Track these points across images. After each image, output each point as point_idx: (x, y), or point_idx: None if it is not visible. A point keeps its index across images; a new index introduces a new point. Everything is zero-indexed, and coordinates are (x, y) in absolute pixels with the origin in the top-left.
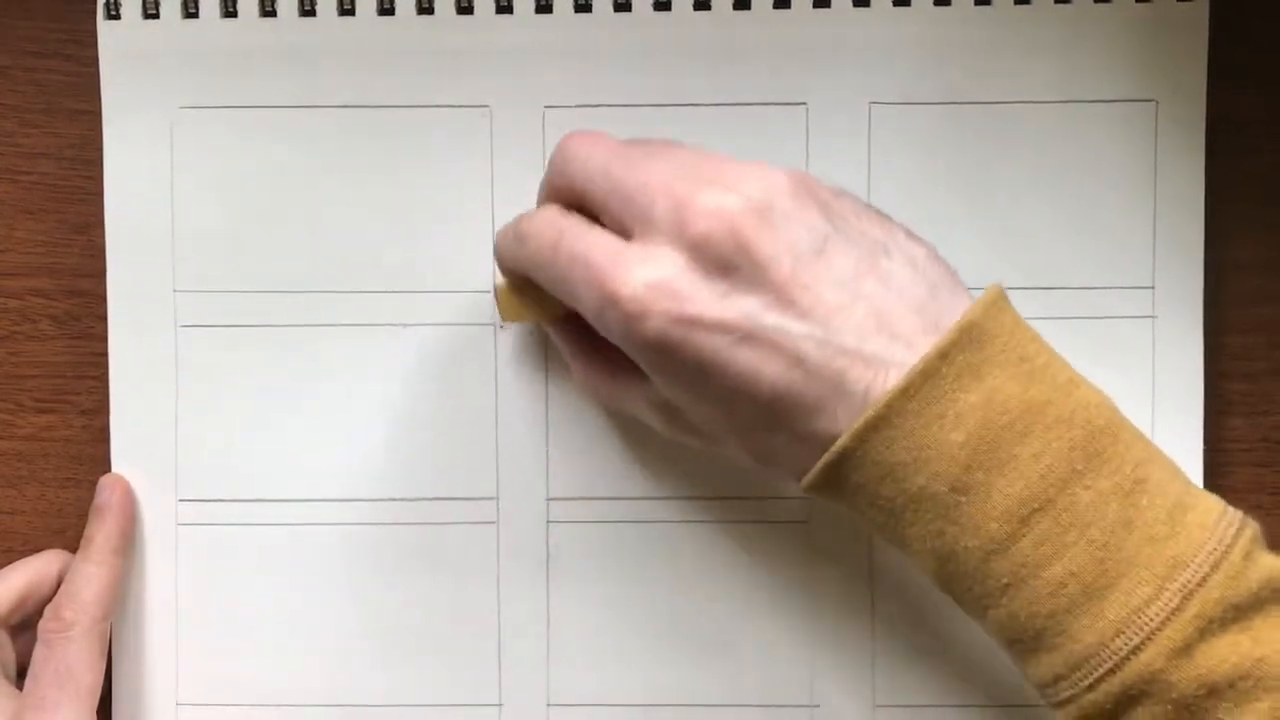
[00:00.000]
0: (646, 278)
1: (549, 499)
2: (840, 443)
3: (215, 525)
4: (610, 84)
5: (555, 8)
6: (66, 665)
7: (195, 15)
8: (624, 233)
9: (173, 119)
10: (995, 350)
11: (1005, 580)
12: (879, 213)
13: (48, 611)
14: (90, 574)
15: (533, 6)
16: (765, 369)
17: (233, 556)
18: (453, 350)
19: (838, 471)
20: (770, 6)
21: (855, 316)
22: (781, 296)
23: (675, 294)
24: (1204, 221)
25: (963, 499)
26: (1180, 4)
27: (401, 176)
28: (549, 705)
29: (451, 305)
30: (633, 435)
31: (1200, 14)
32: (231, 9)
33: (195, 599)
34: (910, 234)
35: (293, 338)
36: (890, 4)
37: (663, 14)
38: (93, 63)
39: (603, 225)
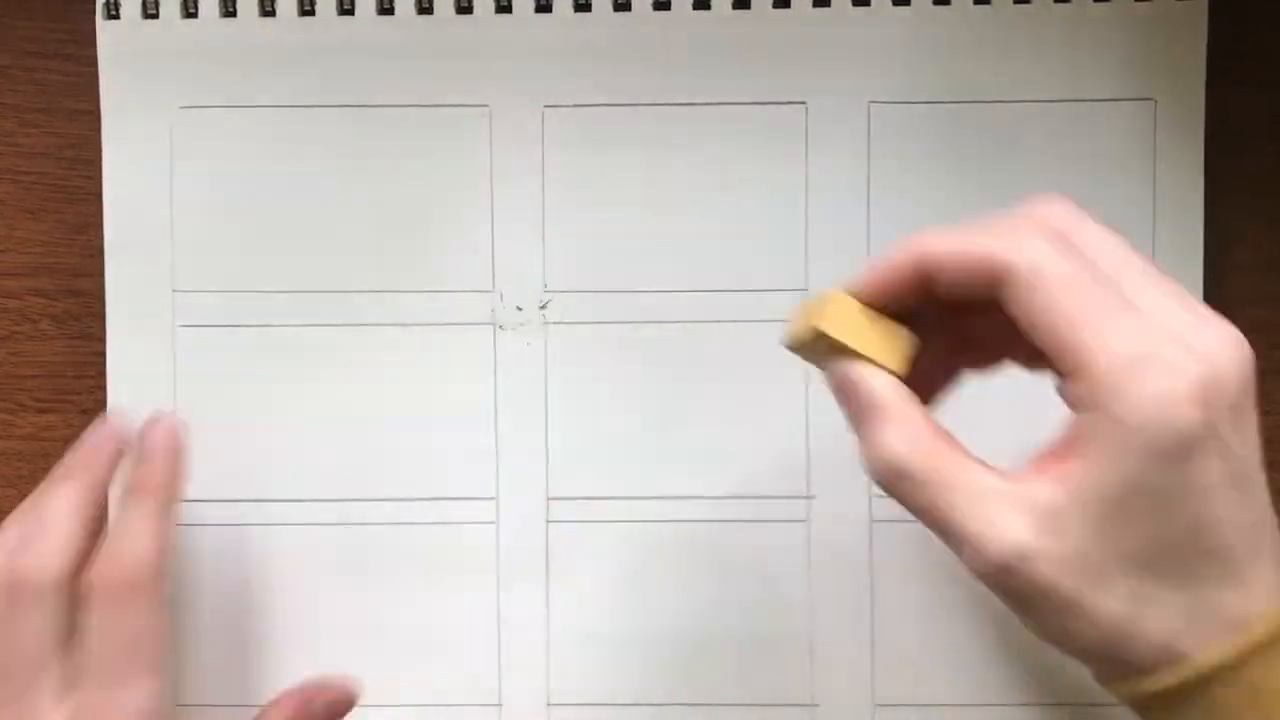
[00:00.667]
0: (1198, 370)
1: (549, 499)
2: (1264, 628)
3: (215, 525)
4: (610, 83)
5: (555, 7)
6: (135, 632)
7: (194, 15)
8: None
9: (172, 119)
10: None
11: None
12: None
13: (104, 565)
14: (145, 528)
15: (532, 6)
16: (1235, 517)
17: (231, 556)
18: (452, 349)
19: (1199, 687)
20: (770, 6)
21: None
22: (1255, 464)
23: (1217, 401)
24: (1203, 221)
25: None
26: (1179, 3)
27: (401, 176)
28: (549, 705)
29: (451, 305)
30: (633, 435)
31: (1199, 13)
32: (231, 9)
33: (195, 599)
34: None
35: (292, 337)
36: (890, 4)
37: (662, 13)
38: (92, 62)
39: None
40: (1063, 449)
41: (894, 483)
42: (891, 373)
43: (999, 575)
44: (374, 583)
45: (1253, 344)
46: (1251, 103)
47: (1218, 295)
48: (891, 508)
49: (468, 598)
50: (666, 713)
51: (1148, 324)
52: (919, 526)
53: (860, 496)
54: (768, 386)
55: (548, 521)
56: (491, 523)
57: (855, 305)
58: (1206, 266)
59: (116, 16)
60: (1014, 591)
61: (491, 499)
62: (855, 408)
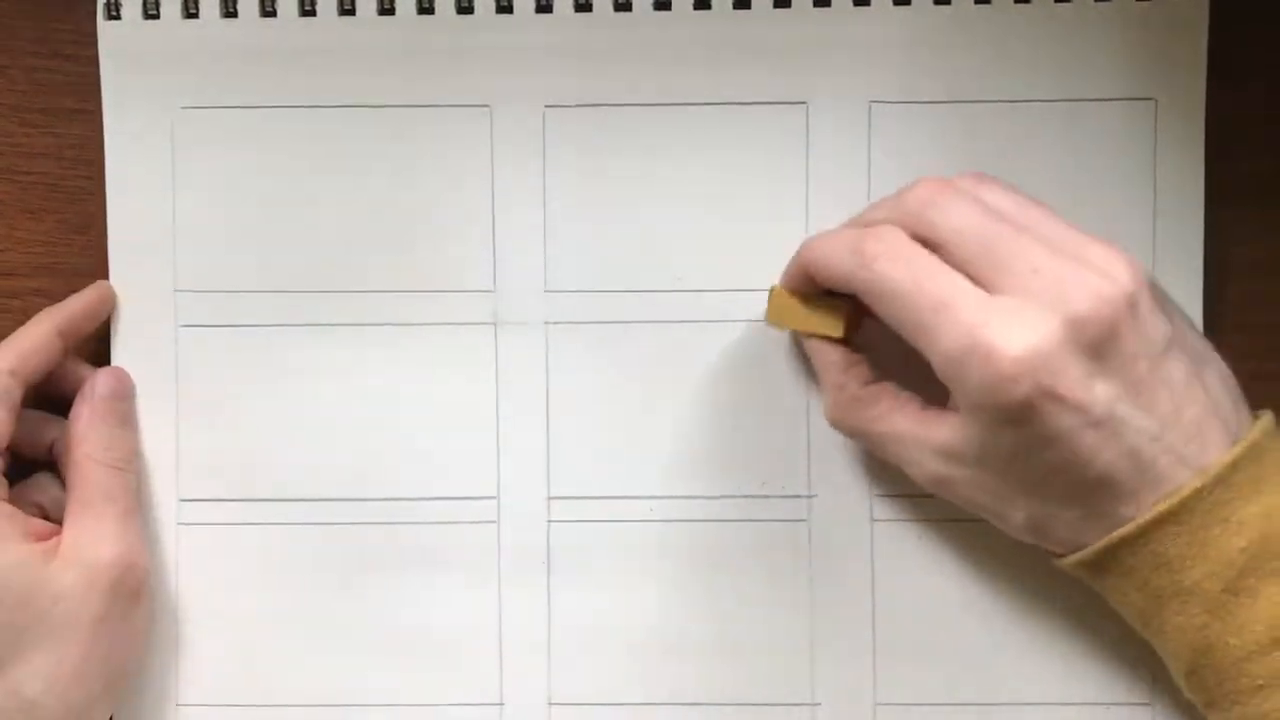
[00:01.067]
0: (1024, 342)
1: (549, 498)
2: (1131, 527)
3: (216, 525)
4: (611, 83)
5: (555, 7)
6: None
7: (195, 15)
8: (984, 288)
9: (173, 119)
10: (1271, 470)
11: (1260, 682)
12: (1193, 324)
13: None
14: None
15: (533, 6)
16: (1103, 454)
17: (233, 556)
18: (453, 350)
19: (1115, 553)
20: (770, 6)
21: (1183, 419)
22: (1134, 390)
23: (1048, 367)
24: (1203, 221)
25: (1232, 600)
26: (1180, 3)
27: (402, 176)
28: (550, 704)
29: (452, 305)
30: (633, 434)
31: (1200, 12)
32: (232, 9)
33: (195, 599)
34: (1212, 346)
35: (293, 337)
36: (890, 3)
37: (663, 13)
38: (93, 62)
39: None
40: (951, 401)
41: (844, 434)
42: (835, 339)
43: (934, 490)
44: (375, 582)
45: (1253, 346)
46: (1251, 102)
47: (1218, 296)
48: (892, 508)
49: (469, 597)
50: (668, 712)
51: (983, 307)
52: (919, 526)
53: (861, 496)
54: (768, 386)
55: (549, 521)
56: (493, 522)
57: (788, 294)
58: (1206, 267)
59: (118, 17)
60: (951, 500)
61: (493, 498)
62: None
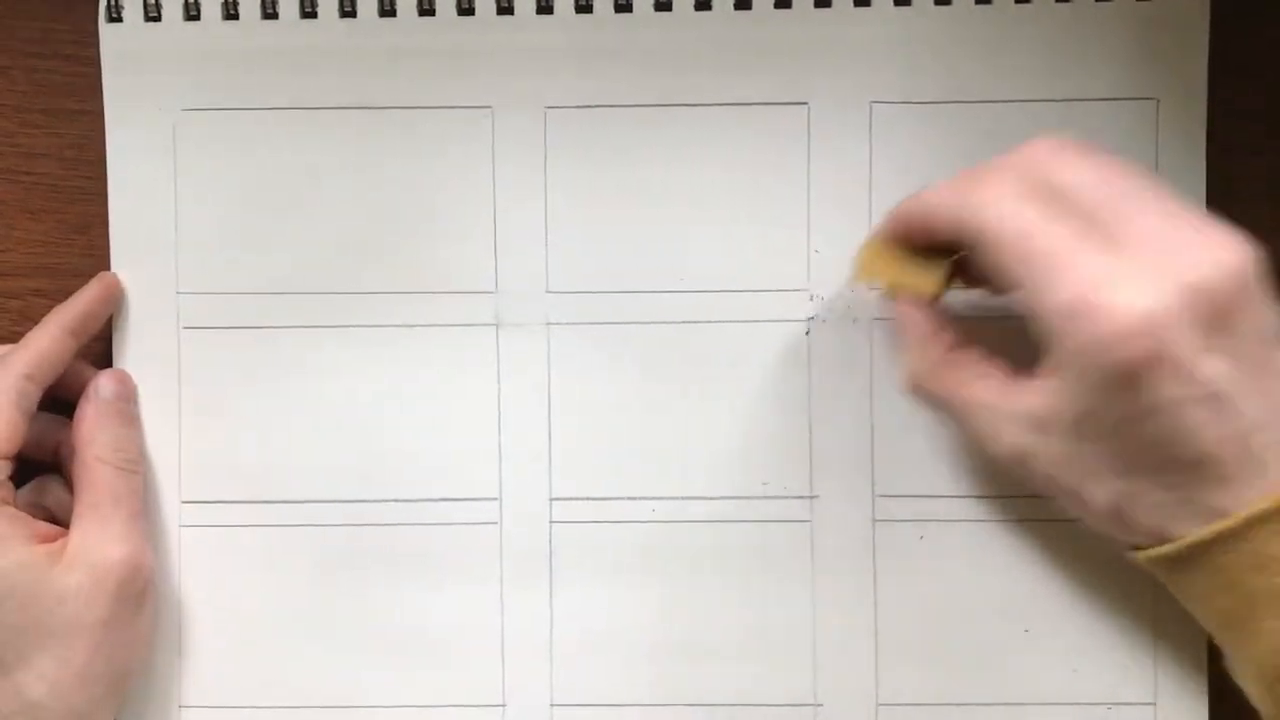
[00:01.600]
0: (1142, 304)
1: (551, 499)
2: (1232, 521)
3: (219, 527)
4: (612, 84)
5: (556, 9)
6: None
7: (197, 18)
8: (1100, 246)
9: (175, 121)
10: None
11: None
12: None
13: None
14: (34, 339)
15: (534, 7)
16: (1208, 432)
17: (236, 558)
18: (455, 350)
19: (1209, 549)
20: (771, 6)
21: (1276, 416)
22: (1250, 371)
23: (1164, 333)
24: None
25: None
26: (1181, 2)
27: (403, 177)
28: (552, 705)
29: (454, 306)
30: (636, 435)
31: (1201, 12)
32: (233, 11)
33: (198, 601)
34: None
35: (295, 339)
36: (891, 3)
37: (664, 14)
38: (93, 63)
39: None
40: (1047, 359)
41: (918, 400)
42: (926, 296)
43: (1011, 465)
44: (377, 583)
45: None
46: (1252, 101)
47: None
48: (894, 508)
49: (471, 598)
50: (670, 713)
51: (1100, 264)
52: (922, 526)
53: (863, 496)
54: (771, 386)
55: (551, 522)
56: (495, 523)
57: (883, 248)
58: None
59: (119, 19)
60: (1027, 479)
61: (494, 499)
62: (896, 339)
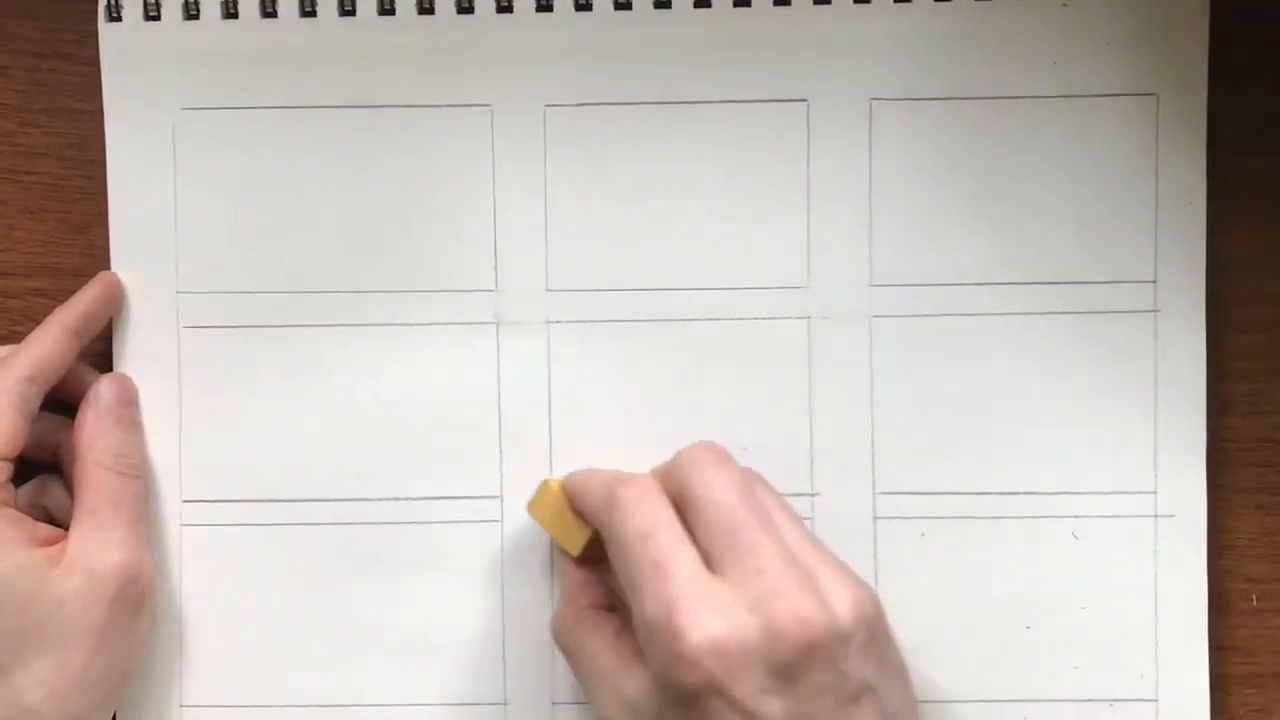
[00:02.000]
0: (717, 634)
1: None
2: None
3: (219, 526)
4: (611, 82)
5: (556, 6)
6: None
7: (196, 17)
8: (711, 565)
9: (175, 121)
10: None
11: None
12: (904, 666)
13: None
14: (36, 340)
15: (533, 5)
16: None
17: (237, 557)
18: (455, 349)
19: None
20: (771, 3)
21: None
22: None
23: (730, 667)
24: (1205, 217)
25: None
26: None
27: (403, 176)
28: (554, 704)
29: (454, 305)
30: (636, 433)
31: (1201, 7)
32: (232, 10)
33: (199, 600)
34: (911, 700)
35: (296, 338)
36: (891, 0)
37: (663, 12)
38: (93, 62)
39: (693, 536)
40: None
41: (559, 646)
42: (572, 555)
43: None
44: (378, 582)
45: (1254, 342)
46: (1254, 97)
47: (1217, 294)
48: (896, 505)
49: (472, 596)
50: None
51: (695, 586)
52: (923, 524)
53: (864, 494)
54: (771, 384)
55: None
56: (495, 521)
57: (558, 494)
58: (1208, 263)
59: (118, 19)
60: None
61: (495, 497)
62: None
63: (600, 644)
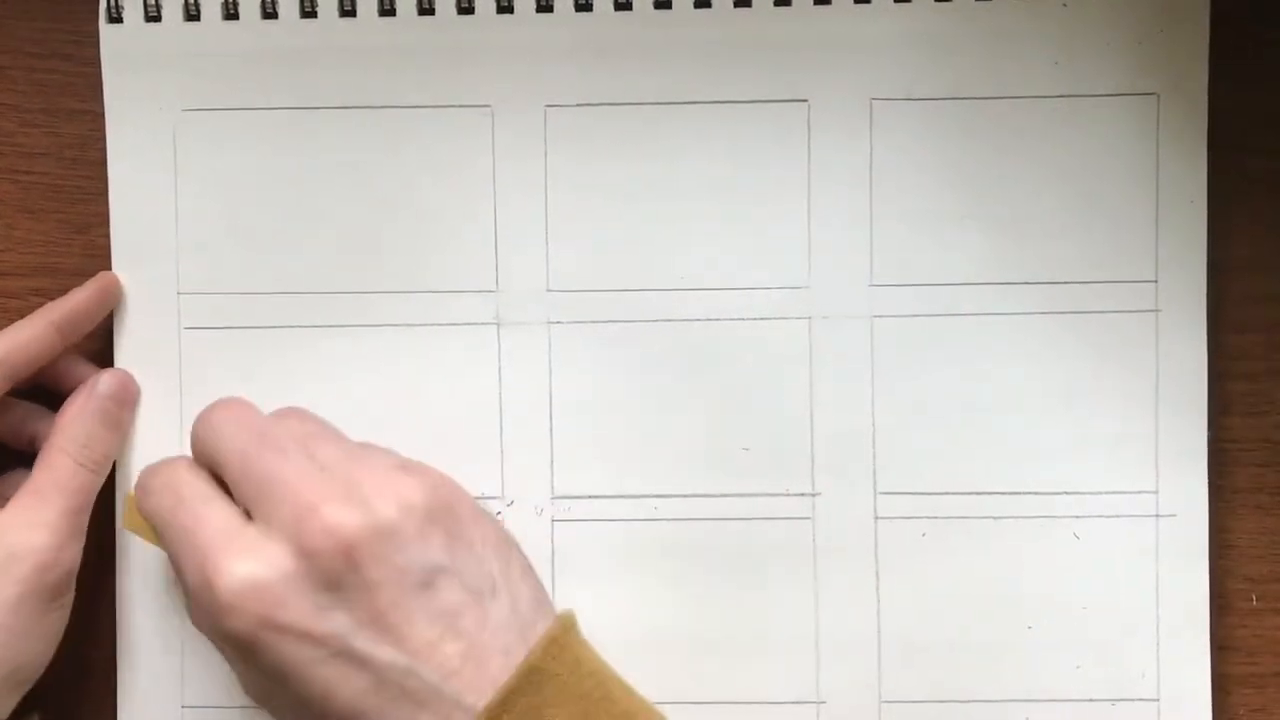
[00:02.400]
0: (246, 574)
1: (553, 497)
2: None
3: None
4: (611, 82)
5: (556, 7)
6: None
7: (197, 18)
8: (248, 514)
9: (175, 122)
10: (554, 690)
11: None
12: (506, 541)
13: None
14: (15, 329)
15: (534, 6)
16: (345, 687)
17: None
18: (456, 350)
19: None
20: (771, 4)
21: (443, 653)
22: (377, 622)
23: (271, 598)
24: (1206, 217)
25: None
26: None
27: (403, 177)
28: None
29: (455, 305)
30: (637, 433)
31: (1201, 7)
32: (233, 11)
33: None
34: (526, 569)
35: (297, 339)
36: (891, 0)
37: (663, 12)
38: (93, 63)
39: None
40: None
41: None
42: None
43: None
44: None
45: (1254, 342)
46: (1255, 97)
47: (1218, 294)
48: (897, 505)
49: None
50: (672, 710)
51: (222, 535)
52: (924, 524)
53: (865, 493)
54: (772, 384)
55: (553, 520)
56: None
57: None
58: (1208, 263)
59: (119, 20)
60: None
61: (497, 498)
62: None
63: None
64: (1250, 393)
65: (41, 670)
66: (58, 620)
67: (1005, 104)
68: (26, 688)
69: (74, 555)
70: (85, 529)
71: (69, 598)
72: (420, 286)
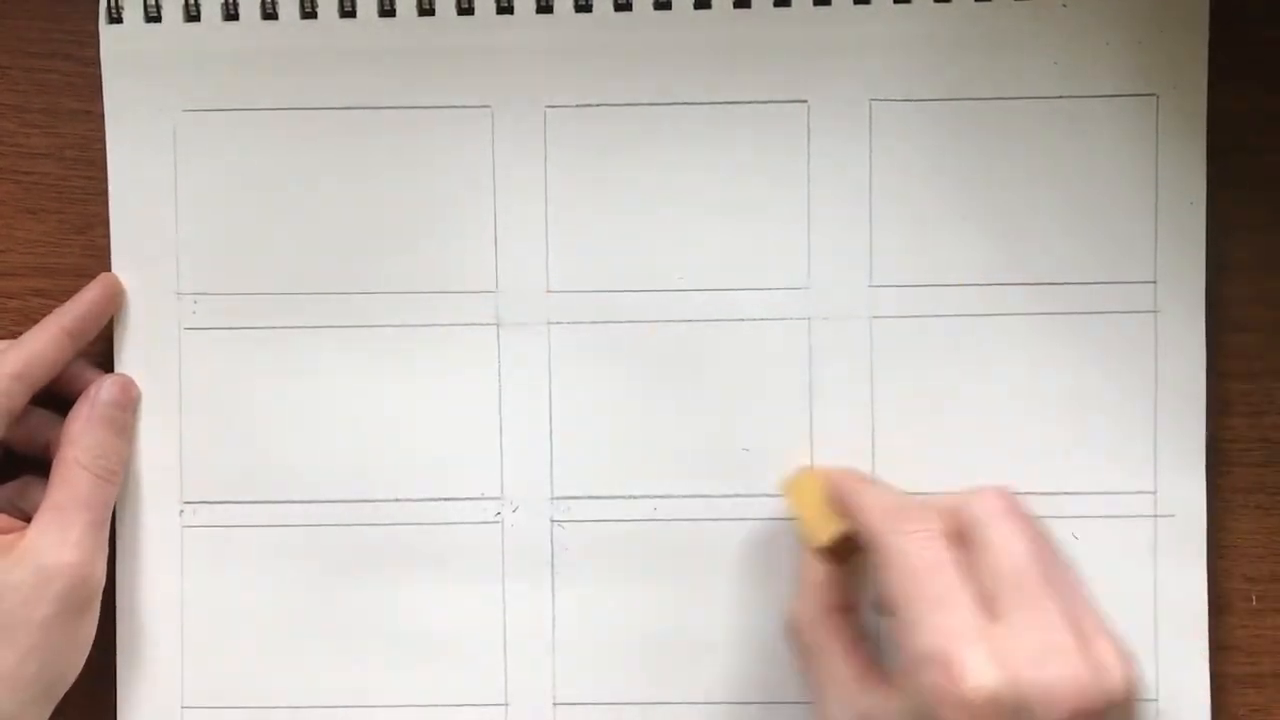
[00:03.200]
0: (996, 683)
1: (553, 498)
2: None
3: (220, 527)
4: (611, 83)
5: (556, 8)
6: None
7: (197, 18)
8: (989, 610)
9: (175, 122)
10: None
11: None
12: None
13: None
14: (30, 338)
15: (533, 7)
16: None
17: (238, 558)
18: (456, 351)
19: None
20: (771, 5)
21: None
22: None
23: (997, 715)
24: (1205, 218)
25: None
26: None
27: (403, 178)
28: (555, 704)
29: (455, 306)
30: (637, 434)
31: (1201, 7)
32: (233, 12)
33: (200, 601)
34: None
35: (296, 339)
36: (891, 1)
37: (663, 13)
38: (93, 63)
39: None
40: (898, 675)
41: (792, 638)
42: (813, 545)
43: None
44: (379, 583)
45: (1254, 342)
46: (1254, 99)
47: (1217, 294)
48: None
49: (473, 597)
50: (672, 711)
51: (974, 626)
52: None
53: None
54: (771, 385)
55: (552, 521)
56: (496, 522)
57: (819, 484)
58: (1208, 264)
59: (119, 20)
60: None
61: (496, 498)
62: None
63: (840, 648)
64: (1249, 393)
65: (73, 679)
66: (88, 631)
67: (1005, 105)
68: (59, 698)
69: (101, 569)
70: (107, 540)
71: (97, 608)
72: (420, 287)
